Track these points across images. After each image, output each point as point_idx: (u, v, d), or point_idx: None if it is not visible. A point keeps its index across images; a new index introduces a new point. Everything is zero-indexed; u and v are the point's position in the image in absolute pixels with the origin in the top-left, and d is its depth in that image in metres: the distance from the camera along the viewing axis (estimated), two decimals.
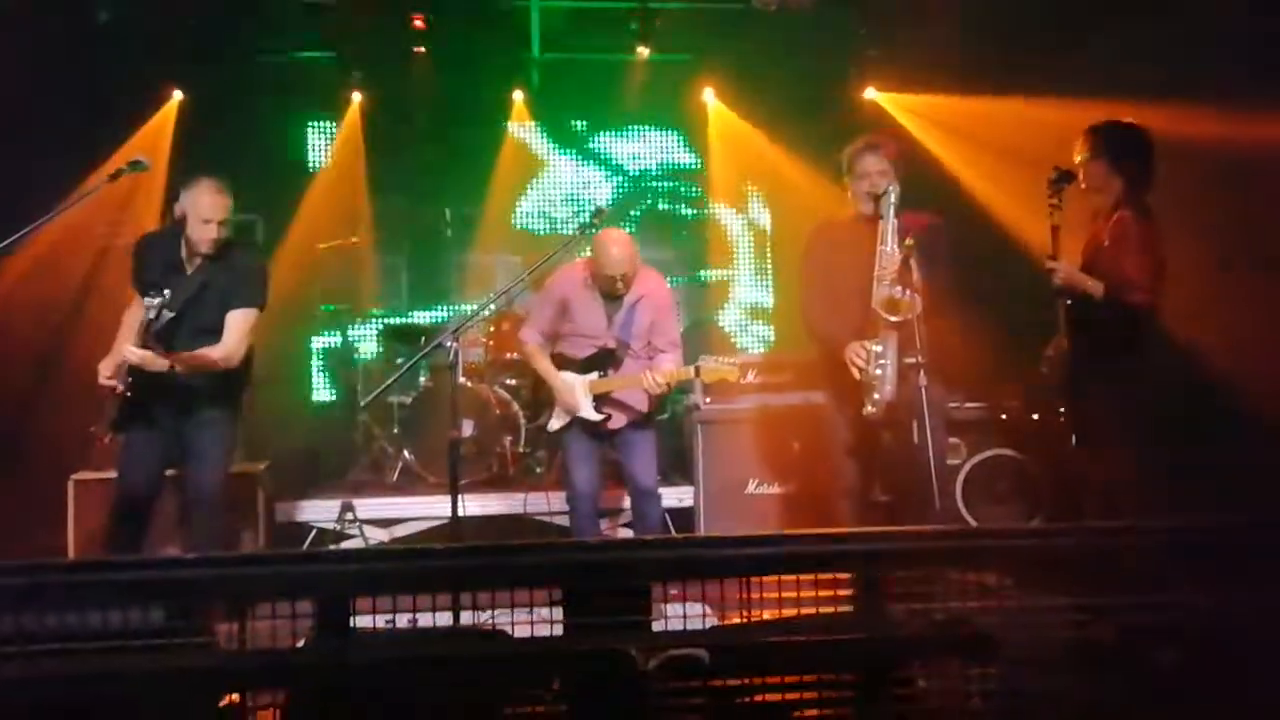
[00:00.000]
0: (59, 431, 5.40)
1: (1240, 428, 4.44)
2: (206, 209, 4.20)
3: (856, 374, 4.20)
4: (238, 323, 4.30)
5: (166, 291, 4.09)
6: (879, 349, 4.15)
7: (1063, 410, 4.19)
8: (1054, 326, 4.16)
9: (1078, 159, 4.22)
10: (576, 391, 4.80)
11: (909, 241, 4.02)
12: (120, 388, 4.10)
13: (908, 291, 3.98)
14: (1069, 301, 4.11)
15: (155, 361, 4.04)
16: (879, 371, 4.14)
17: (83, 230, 5.75)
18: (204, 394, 4.31)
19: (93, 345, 4.58)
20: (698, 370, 4.73)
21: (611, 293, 4.79)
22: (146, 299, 4.11)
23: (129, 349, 4.02)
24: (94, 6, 6.10)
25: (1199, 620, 2.53)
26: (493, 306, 6.64)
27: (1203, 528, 2.76)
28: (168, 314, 4.11)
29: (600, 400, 4.80)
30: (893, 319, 4.05)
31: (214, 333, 4.27)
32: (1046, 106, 5.62)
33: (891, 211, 4.16)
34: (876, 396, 4.14)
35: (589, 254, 4.91)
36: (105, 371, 4.14)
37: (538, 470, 6.46)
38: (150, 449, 4.31)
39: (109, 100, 6.19)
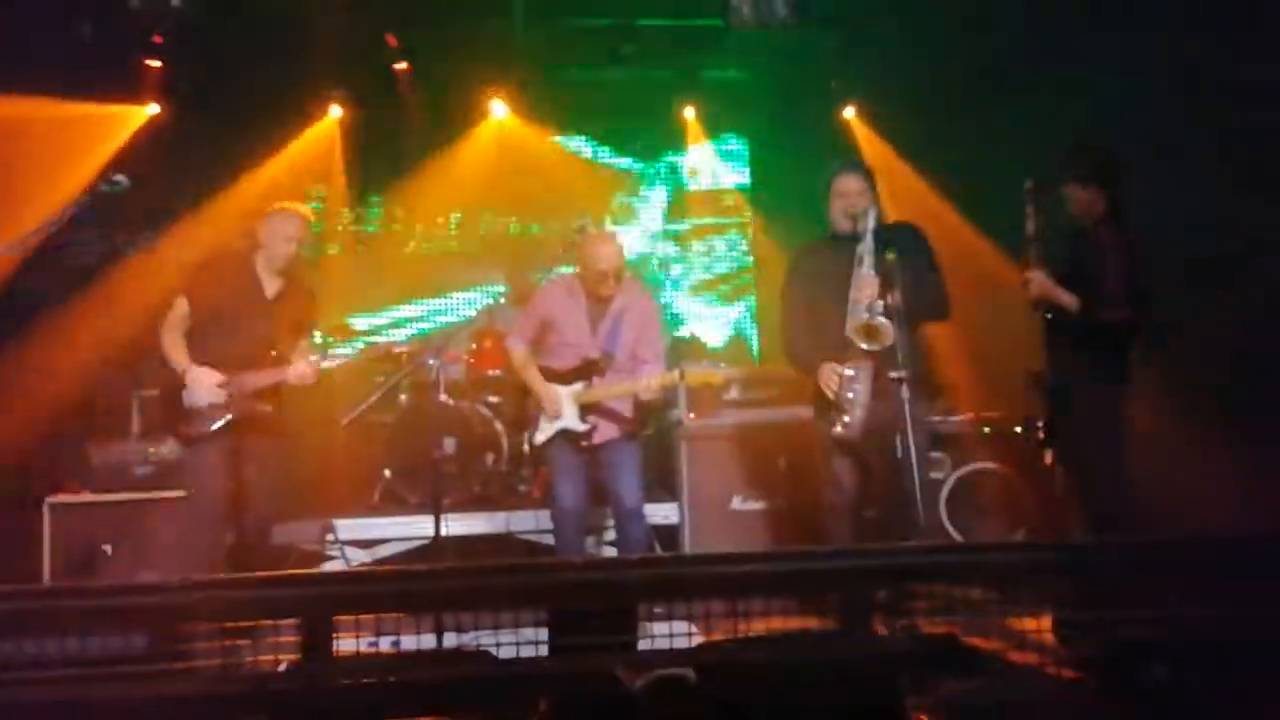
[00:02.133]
0: (32, 453, 5.33)
1: (1222, 437, 4.48)
2: (293, 229, 4.60)
3: (829, 394, 4.22)
4: (304, 350, 4.68)
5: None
6: (851, 373, 4.16)
7: (1044, 424, 4.21)
8: (1037, 340, 4.19)
9: (1056, 179, 4.27)
10: (562, 402, 4.79)
11: (890, 255, 4.03)
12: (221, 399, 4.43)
13: (883, 319, 3.98)
14: (1049, 316, 4.14)
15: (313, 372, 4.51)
16: (851, 395, 4.15)
17: (49, 245, 5.69)
18: (275, 426, 4.63)
19: (64, 362, 4.55)
20: (682, 374, 4.73)
21: (600, 293, 4.79)
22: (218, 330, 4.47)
23: (301, 369, 4.49)
24: (78, 22, 6.07)
25: (1182, 633, 2.54)
26: (473, 323, 6.68)
27: (1184, 541, 2.78)
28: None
29: (585, 411, 4.79)
30: (865, 347, 4.05)
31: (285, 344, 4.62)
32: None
33: (870, 237, 4.17)
34: (847, 419, 4.16)
35: (572, 270, 4.92)
36: (211, 385, 4.43)
37: (521, 489, 6.42)
38: (221, 465, 4.50)
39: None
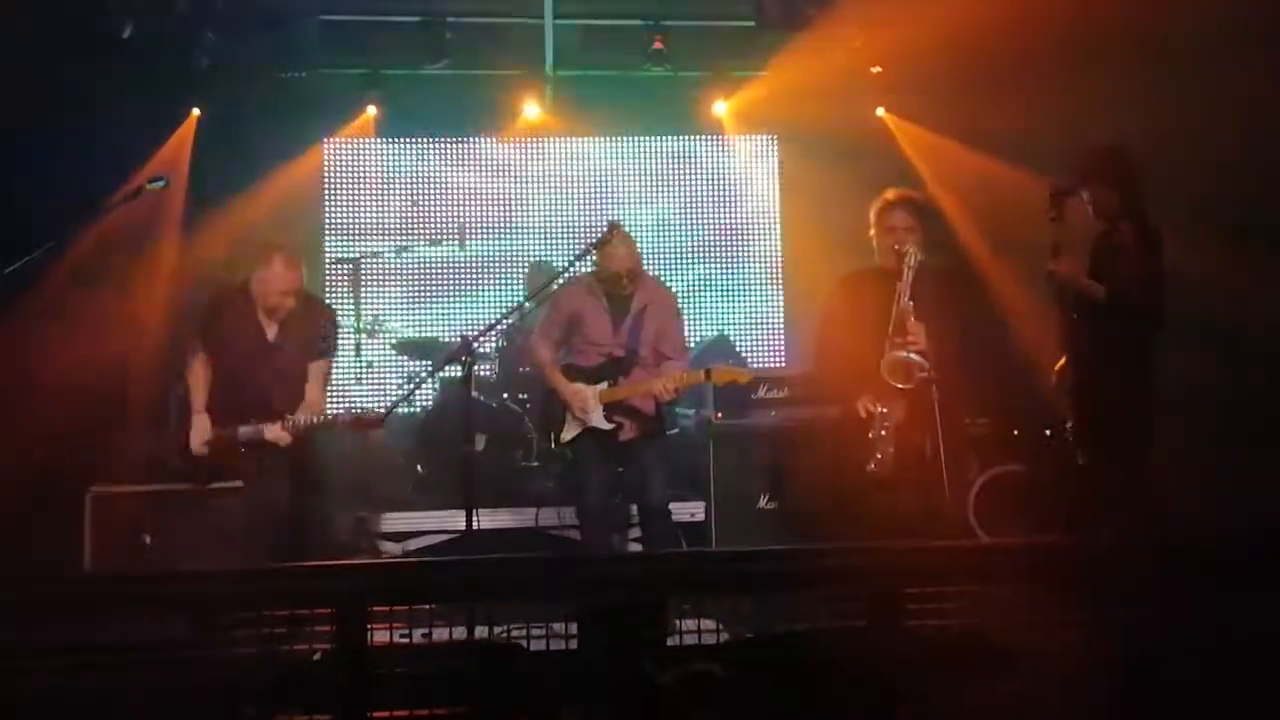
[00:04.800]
0: (74, 444, 5.42)
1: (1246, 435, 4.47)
2: (282, 282, 4.48)
3: (862, 413, 4.22)
4: (320, 374, 4.65)
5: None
6: (885, 410, 4.16)
7: (1071, 424, 4.19)
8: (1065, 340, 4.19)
9: (1075, 181, 4.27)
10: (587, 401, 4.83)
11: (920, 257, 4.03)
12: (206, 452, 4.52)
13: (918, 357, 3.98)
14: (1074, 315, 4.13)
15: (298, 428, 4.43)
16: (883, 433, 4.15)
17: (98, 244, 5.79)
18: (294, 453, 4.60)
19: (110, 356, 4.58)
20: (708, 373, 4.77)
21: (617, 292, 4.84)
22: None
23: (276, 431, 4.41)
24: (119, 21, 6.15)
25: (1208, 632, 2.54)
26: (505, 322, 6.72)
27: (1212, 539, 2.77)
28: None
29: (610, 409, 4.83)
30: (899, 385, 4.05)
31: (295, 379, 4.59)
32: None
33: (910, 275, 4.15)
34: (879, 456, 4.16)
35: (591, 271, 4.97)
36: (202, 440, 4.52)
37: (549, 485, 6.46)
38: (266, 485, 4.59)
39: (130, 115, 6.25)
